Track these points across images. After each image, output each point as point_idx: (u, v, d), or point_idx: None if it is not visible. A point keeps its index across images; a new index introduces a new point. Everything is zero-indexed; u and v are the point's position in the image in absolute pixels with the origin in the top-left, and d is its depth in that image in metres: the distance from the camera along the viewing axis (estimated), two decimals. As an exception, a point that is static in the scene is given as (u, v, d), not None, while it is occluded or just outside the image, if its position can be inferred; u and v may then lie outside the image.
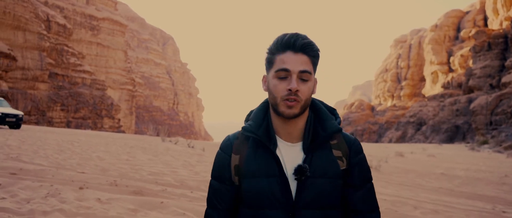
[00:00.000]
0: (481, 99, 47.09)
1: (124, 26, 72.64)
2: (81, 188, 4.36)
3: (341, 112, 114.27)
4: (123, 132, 57.50)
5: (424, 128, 62.89)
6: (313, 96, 1.27)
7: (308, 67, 1.16)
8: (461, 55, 68.93)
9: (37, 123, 40.77)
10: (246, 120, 1.31)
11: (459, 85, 64.25)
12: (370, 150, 26.88)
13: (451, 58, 73.05)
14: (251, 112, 1.33)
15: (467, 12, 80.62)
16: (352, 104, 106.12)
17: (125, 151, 9.86)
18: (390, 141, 68.77)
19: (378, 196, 6.36)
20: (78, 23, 63.94)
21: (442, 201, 6.66)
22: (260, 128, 1.22)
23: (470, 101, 53.25)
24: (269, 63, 1.19)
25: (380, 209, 5.16)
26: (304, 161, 1.18)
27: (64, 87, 51.26)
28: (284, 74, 1.14)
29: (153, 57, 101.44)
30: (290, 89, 1.13)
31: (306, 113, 1.23)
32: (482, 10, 74.13)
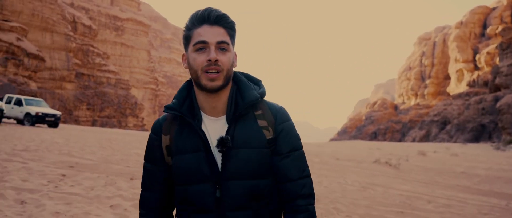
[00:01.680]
0: (508, 98, 45.97)
1: (147, 26, 74.44)
2: (131, 179, 5.06)
3: (363, 111, 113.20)
4: (147, 130, 59.09)
5: (448, 127, 61.79)
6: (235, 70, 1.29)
7: (225, 38, 1.17)
8: (487, 53, 67.21)
9: (64, 122, 42.42)
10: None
11: (485, 84, 62.73)
12: (392, 149, 26.95)
13: (477, 56, 71.33)
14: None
15: (494, 9, 78.46)
16: (374, 103, 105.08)
17: (157, 148, 10.61)
18: (413, 140, 67.87)
19: (393, 192, 6.80)
20: (102, 24, 65.97)
21: (457, 197, 7.02)
22: (184, 105, 1.23)
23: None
24: (187, 39, 1.20)
25: (394, 202, 5.68)
26: (227, 132, 1.19)
27: (90, 87, 53.05)
28: (202, 46, 1.15)
29: (175, 56, 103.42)
30: (209, 60, 1.13)
31: (229, 86, 1.23)
32: (510, 6, 71.92)
